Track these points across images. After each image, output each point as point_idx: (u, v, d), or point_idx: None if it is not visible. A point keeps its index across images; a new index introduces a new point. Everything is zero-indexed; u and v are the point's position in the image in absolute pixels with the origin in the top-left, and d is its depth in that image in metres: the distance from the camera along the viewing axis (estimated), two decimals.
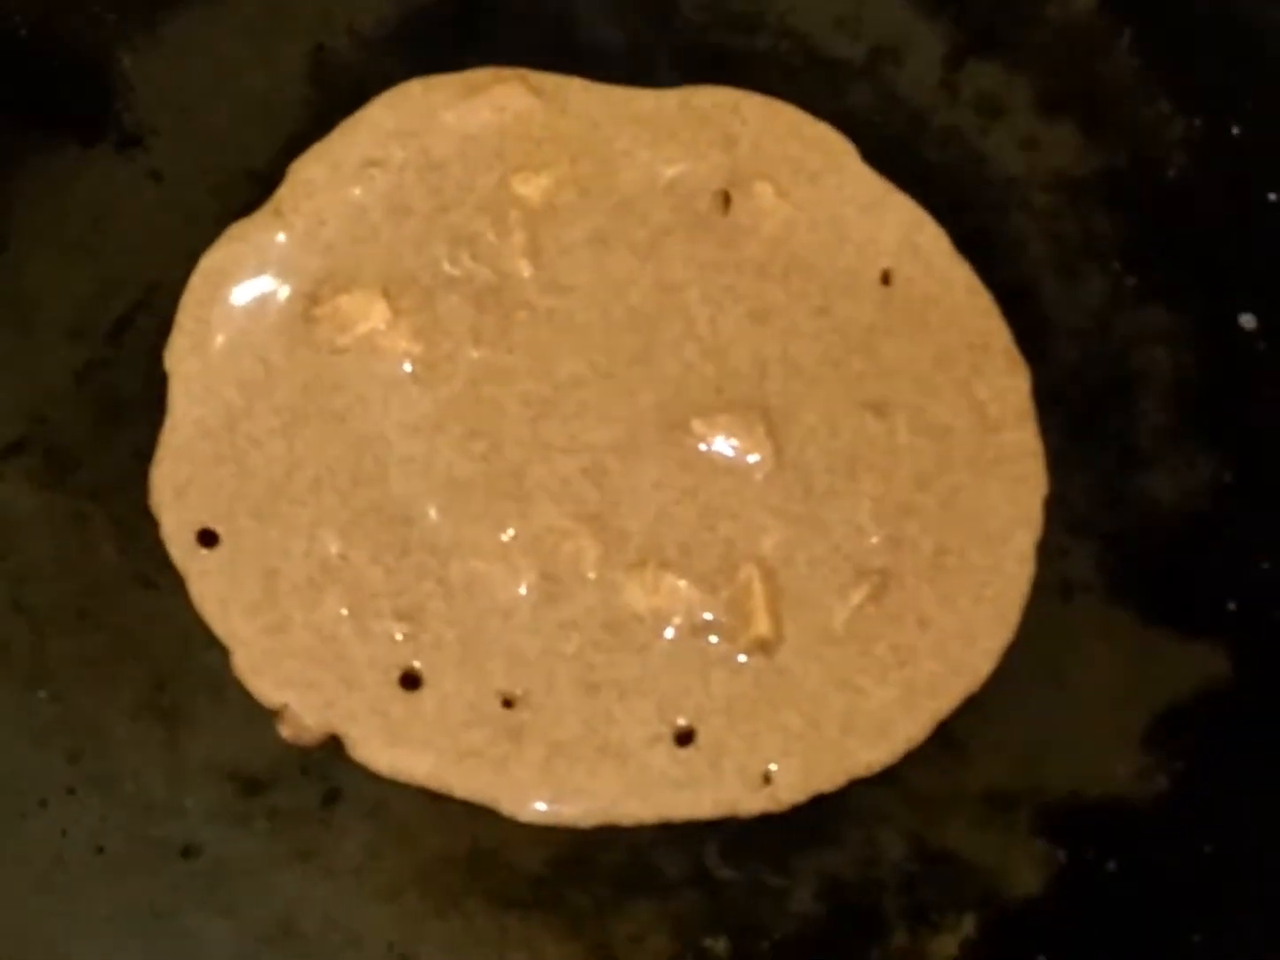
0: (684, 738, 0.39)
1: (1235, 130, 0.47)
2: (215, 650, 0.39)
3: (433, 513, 0.41)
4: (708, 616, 0.40)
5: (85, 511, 0.40)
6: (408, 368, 0.42)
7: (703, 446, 0.42)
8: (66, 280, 0.43)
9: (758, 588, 0.40)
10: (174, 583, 0.40)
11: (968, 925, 0.38)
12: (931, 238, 0.45)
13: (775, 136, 0.46)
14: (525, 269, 0.44)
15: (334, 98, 0.46)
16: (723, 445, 0.42)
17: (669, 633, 0.40)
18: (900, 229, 0.45)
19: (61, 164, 0.43)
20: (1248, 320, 0.45)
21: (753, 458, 0.42)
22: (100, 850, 0.37)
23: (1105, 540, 0.43)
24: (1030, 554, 0.42)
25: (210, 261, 0.43)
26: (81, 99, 0.44)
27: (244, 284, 0.43)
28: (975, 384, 0.44)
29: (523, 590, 0.40)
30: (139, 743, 0.38)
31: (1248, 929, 0.38)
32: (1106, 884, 0.38)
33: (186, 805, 0.37)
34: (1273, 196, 0.46)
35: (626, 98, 0.47)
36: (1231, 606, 0.42)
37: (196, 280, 0.43)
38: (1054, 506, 0.43)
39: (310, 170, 0.45)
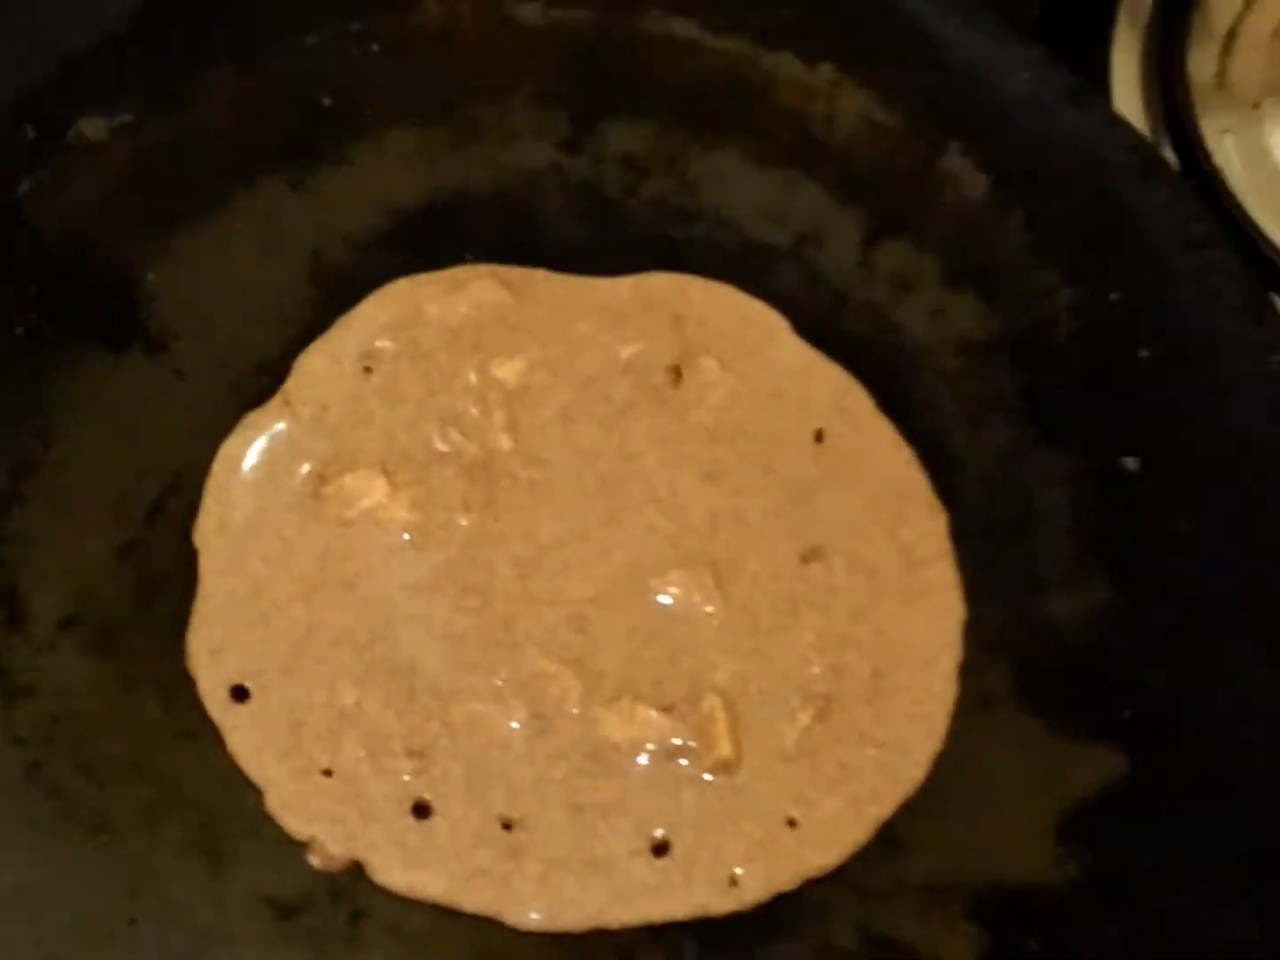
0: (660, 849, 0.45)
1: (1113, 296, 0.53)
2: (251, 792, 0.44)
3: (435, 662, 0.47)
4: (676, 742, 0.46)
5: (131, 675, 0.45)
6: (407, 536, 0.48)
7: (663, 598, 0.48)
8: (104, 470, 0.48)
9: (720, 715, 0.46)
10: (212, 734, 0.45)
11: None
12: (857, 400, 0.52)
13: (717, 315, 0.53)
14: (506, 443, 0.50)
15: (332, 296, 0.52)
16: (679, 596, 0.48)
17: (643, 758, 0.46)
18: (830, 393, 0.52)
19: (96, 368, 0.49)
20: (1130, 463, 0.51)
21: (705, 606, 0.48)
22: None
23: (1016, 659, 0.48)
24: (953, 674, 0.48)
25: (229, 448, 0.49)
26: (111, 311, 0.50)
27: (260, 467, 0.49)
28: (900, 528, 0.50)
29: (515, 726, 0.46)
30: (188, 877, 0.43)
31: None
32: None
33: (232, 930, 0.42)
34: (1145, 353, 0.52)
35: (585, 286, 0.53)
36: (1126, 714, 0.47)
37: (218, 466, 0.49)
38: (971, 631, 0.49)
39: (313, 363, 0.51)
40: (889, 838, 0.46)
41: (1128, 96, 0.60)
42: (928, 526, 0.50)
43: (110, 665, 0.45)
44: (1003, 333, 0.53)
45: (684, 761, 0.46)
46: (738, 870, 0.45)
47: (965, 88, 0.57)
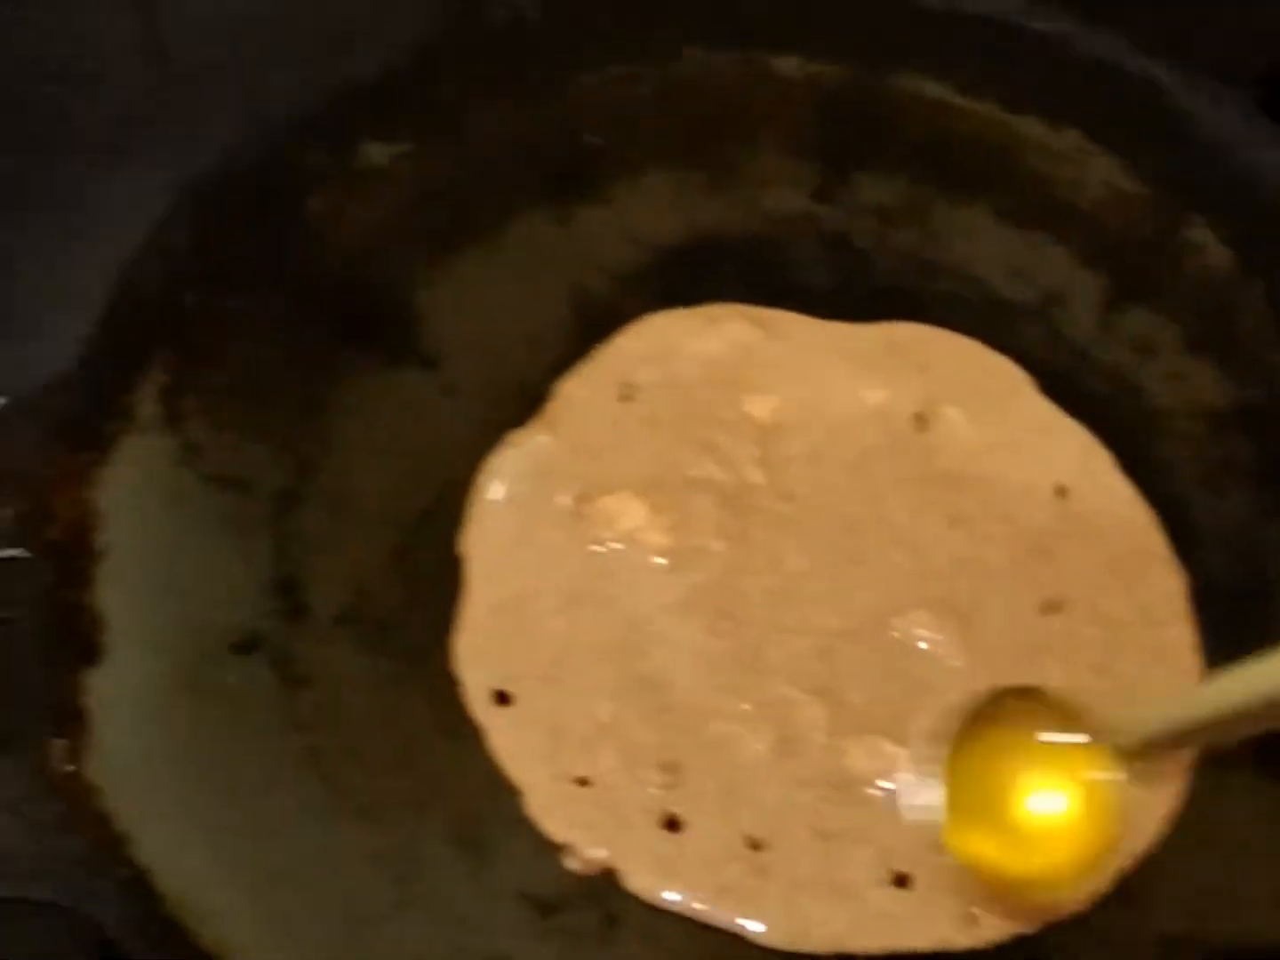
0: (901, 881, 0.46)
1: None
2: (511, 792, 0.46)
3: (687, 681, 0.48)
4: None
5: (401, 673, 0.47)
6: (662, 559, 0.50)
7: (905, 637, 0.49)
8: (378, 476, 0.50)
9: None
10: (476, 735, 0.47)
11: None
12: (1098, 458, 0.53)
13: (962, 368, 0.55)
14: (758, 476, 0.52)
15: (591, 326, 0.54)
16: (921, 636, 0.50)
17: (887, 790, 0.47)
18: (1072, 450, 0.53)
19: (374, 381, 0.51)
20: None
21: (947, 647, 0.49)
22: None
23: None
24: None
25: (496, 464, 0.51)
26: (388, 327, 0.52)
27: (523, 484, 0.51)
28: (1139, 587, 0.51)
29: (762, 749, 0.47)
30: (452, 867, 0.44)
31: None
32: None
33: (493, 922, 0.44)
34: None
35: (835, 331, 0.55)
36: None
37: (485, 479, 0.51)
38: None
39: (575, 389, 0.53)
40: (1127, 889, 0.46)
41: None
42: (1167, 587, 0.51)
43: (381, 661, 0.47)
44: (1242, 401, 0.54)
45: None
46: (976, 909, 0.45)
47: (1210, 161, 0.58)
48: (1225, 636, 0.50)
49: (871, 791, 0.47)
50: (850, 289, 0.56)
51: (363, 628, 0.48)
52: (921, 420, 0.53)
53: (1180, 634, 0.50)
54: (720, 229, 0.56)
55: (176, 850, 0.42)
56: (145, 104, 0.63)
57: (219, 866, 0.43)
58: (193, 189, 0.52)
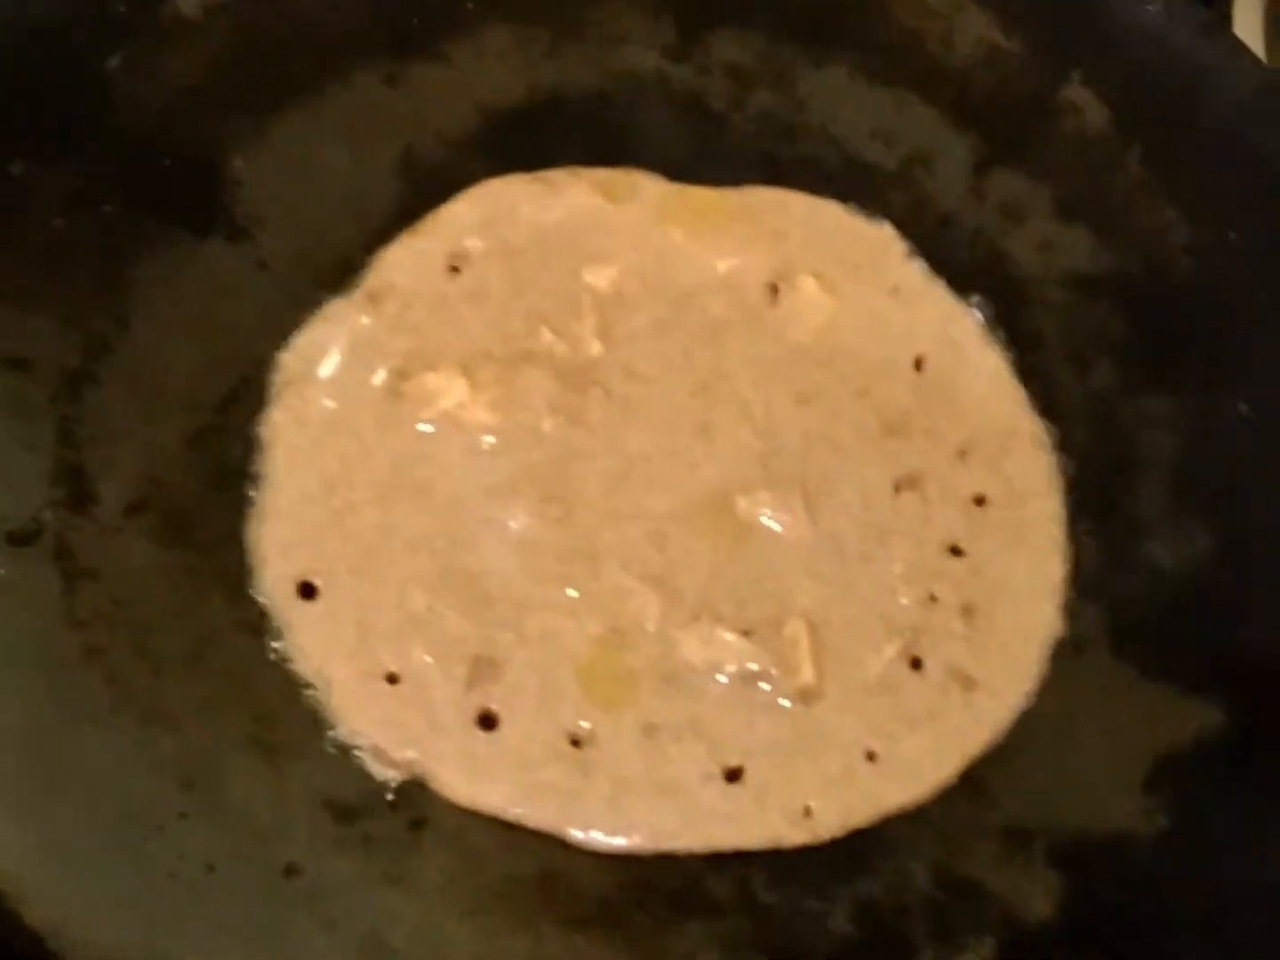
0: (733, 776, 0.43)
1: (1232, 236, 0.51)
2: (314, 691, 0.43)
3: (510, 570, 0.45)
4: (755, 667, 0.44)
5: (197, 565, 0.44)
6: (488, 439, 0.47)
7: (749, 518, 0.46)
8: (180, 356, 0.46)
9: (803, 641, 0.45)
10: (276, 631, 0.44)
11: (988, 947, 0.42)
12: (963, 328, 0.50)
13: (821, 233, 0.51)
14: (596, 349, 0.48)
15: (421, 194, 0.50)
16: (766, 517, 0.47)
17: (720, 682, 0.44)
18: (935, 320, 0.50)
19: (179, 253, 0.47)
20: (1240, 407, 0.49)
21: (792, 528, 0.46)
22: (211, 869, 0.40)
23: (1112, 602, 0.47)
24: (1052, 614, 0.46)
25: (307, 340, 0.48)
26: (197, 195, 0.48)
27: (337, 362, 0.47)
28: (1003, 461, 0.48)
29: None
30: (246, 773, 0.42)
31: (1241, 955, 0.42)
32: (1112, 912, 0.42)
33: (288, 830, 0.41)
34: (1264, 295, 0.50)
35: (684, 194, 0.51)
36: (1225, 664, 0.45)
37: (294, 358, 0.47)
38: (1067, 572, 0.47)
39: (399, 258, 0.49)
40: (972, 778, 0.44)
41: (1248, 24, 0.57)
42: (1031, 462, 0.48)
43: (175, 554, 0.44)
44: (1115, 269, 0.52)
45: (763, 686, 0.44)
46: (812, 803, 0.43)
47: (1091, 16, 0.54)
48: (1085, 513, 0.48)
49: (705, 682, 0.44)
50: (704, 154, 0.52)
51: (156, 518, 0.44)
52: (774, 290, 0.50)
53: (1043, 509, 0.48)
54: (564, 89, 0.53)
55: None
56: None
57: None
58: None
